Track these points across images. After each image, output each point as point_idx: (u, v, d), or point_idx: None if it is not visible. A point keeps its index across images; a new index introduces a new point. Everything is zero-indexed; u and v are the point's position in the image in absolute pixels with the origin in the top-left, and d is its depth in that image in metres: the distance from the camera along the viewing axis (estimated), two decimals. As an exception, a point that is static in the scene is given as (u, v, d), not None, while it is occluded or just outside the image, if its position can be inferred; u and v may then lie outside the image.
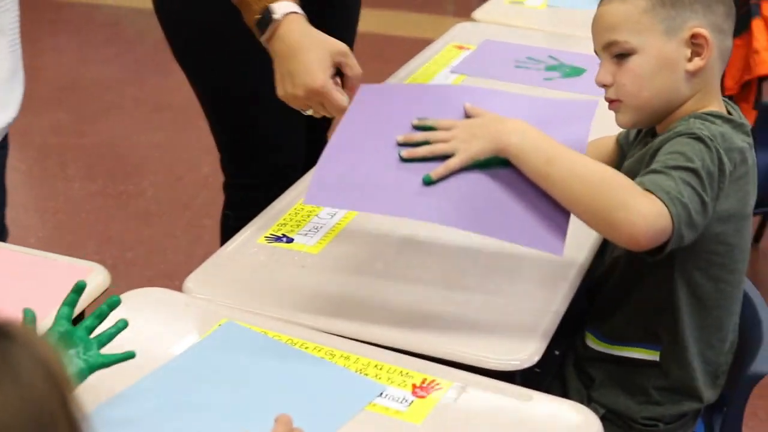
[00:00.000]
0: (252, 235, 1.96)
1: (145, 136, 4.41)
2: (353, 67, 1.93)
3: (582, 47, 2.78)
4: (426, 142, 1.71)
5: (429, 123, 1.74)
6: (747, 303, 1.90)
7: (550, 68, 2.71)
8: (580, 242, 1.92)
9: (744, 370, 1.82)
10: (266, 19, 1.93)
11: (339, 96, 1.88)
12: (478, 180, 1.67)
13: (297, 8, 1.94)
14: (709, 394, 1.83)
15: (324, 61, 1.89)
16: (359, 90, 1.86)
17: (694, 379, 1.80)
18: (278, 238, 1.94)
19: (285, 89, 1.92)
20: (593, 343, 1.87)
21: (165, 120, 4.63)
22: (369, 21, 5.06)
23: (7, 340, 0.86)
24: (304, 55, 1.89)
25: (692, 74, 1.72)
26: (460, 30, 2.96)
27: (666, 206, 1.56)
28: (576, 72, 2.70)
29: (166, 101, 4.76)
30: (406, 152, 1.71)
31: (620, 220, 1.56)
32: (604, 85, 1.77)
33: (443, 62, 2.75)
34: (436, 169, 1.67)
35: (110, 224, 3.73)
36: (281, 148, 2.52)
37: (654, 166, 1.64)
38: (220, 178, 4.10)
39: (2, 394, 0.82)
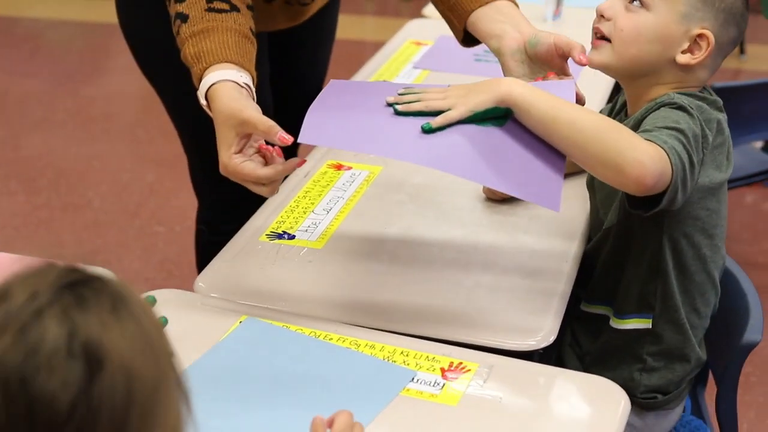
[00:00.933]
0: (253, 234, 1.98)
1: (83, 148, 4.38)
2: (257, 125, 1.65)
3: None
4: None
5: (417, 90, 1.73)
6: (729, 278, 1.98)
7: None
8: (573, 229, 1.98)
9: (736, 340, 1.90)
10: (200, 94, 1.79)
11: (248, 172, 1.66)
12: (477, 133, 1.66)
13: (226, 75, 1.74)
14: (699, 355, 1.90)
15: (226, 140, 1.69)
16: (329, 84, 1.80)
17: (686, 341, 1.88)
18: (279, 236, 1.96)
19: None
20: (600, 310, 1.93)
21: (100, 130, 4.60)
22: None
23: (120, 289, 0.93)
24: (217, 131, 1.72)
25: (677, 65, 1.79)
26: (414, 26, 3.01)
27: (666, 154, 1.62)
28: (535, 64, 2.76)
29: (99, 112, 4.74)
30: (402, 106, 1.69)
31: (629, 160, 1.59)
32: (602, 16, 1.81)
33: (403, 59, 2.79)
34: (436, 119, 1.65)
35: (62, 235, 3.70)
36: None
37: (643, 128, 1.70)
38: (165, 184, 4.12)
39: (126, 322, 0.91)
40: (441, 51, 2.84)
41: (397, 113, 1.68)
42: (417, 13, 3.10)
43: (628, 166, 1.59)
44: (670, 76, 1.81)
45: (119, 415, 0.88)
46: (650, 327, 1.87)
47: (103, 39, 5.59)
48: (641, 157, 1.59)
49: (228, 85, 1.72)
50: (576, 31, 2.95)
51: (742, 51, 5.61)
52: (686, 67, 1.79)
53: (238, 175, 1.66)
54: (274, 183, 1.66)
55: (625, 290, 1.87)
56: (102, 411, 0.87)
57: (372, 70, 2.73)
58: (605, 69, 1.86)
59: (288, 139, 1.62)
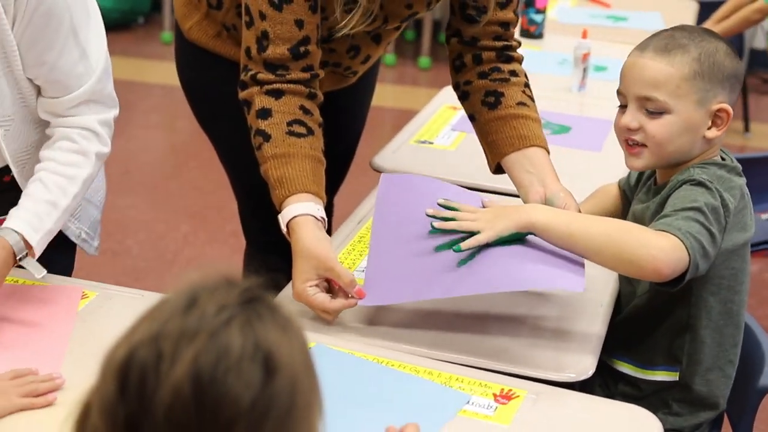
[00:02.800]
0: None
1: (119, 198, 4.58)
2: (341, 276, 1.97)
3: (561, 108, 3.08)
4: (453, 219, 1.98)
5: (454, 205, 2.01)
6: (745, 328, 2.17)
7: (540, 126, 2.97)
8: (606, 278, 2.17)
9: (752, 386, 2.09)
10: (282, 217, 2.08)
11: (318, 302, 1.97)
12: (501, 252, 1.94)
13: (307, 209, 2.04)
14: (723, 402, 2.09)
15: (304, 273, 1.98)
16: (381, 179, 2.15)
17: (712, 392, 2.05)
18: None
19: None
20: (622, 367, 2.10)
21: (135, 183, 4.81)
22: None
23: (286, 311, 1.10)
24: (295, 261, 2.02)
25: (707, 140, 2.00)
26: (449, 93, 3.21)
27: (681, 240, 1.83)
28: (563, 129, 2.98)
29: (133, 165, 4.95)
30: (437, 223, 1.98)
31: (643, 256, 1.83)
32: (629, 129, 2.03)
33: (442, 122, 3.00)
34: (466, 241, 1.93)
35: (104, 278, 3.87)
36: None
37: (664, 212, 1.91)
38: (199, 235, 4.32)
39: (293, 340, 1.09)
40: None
41: (433, 231, 1.98)
42: (434, 83, 3.29)
43: (643, 262, 1.83)
44: (697, 150, 2.01)
45: (282, 418, 1.05)
46: (677, 380, 2.05)
47: (134, 96, 5.81)
48: (654, 252, 1.82)
49: (309, 222, 2.02)
50: (599, 102, 3.20)
51: (746, 129, 5.83)
52: (712, 140, 2.00)
53: (309, 302, 1.97)
54: (337, 313, 1.99)
55: (653, 345, 2.05)
56: (271, 411, 1.04)
57: (412, 132, 2.93)
58: (647, 169, 2.09)
59: (363, 294, 1.97)
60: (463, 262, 1.93)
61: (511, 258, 1.92)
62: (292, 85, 2.13)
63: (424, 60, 6.26)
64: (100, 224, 2.42)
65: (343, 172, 2.83)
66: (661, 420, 1.85)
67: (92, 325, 1.96)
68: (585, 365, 1.91)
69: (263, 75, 2.12)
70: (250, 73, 2.13)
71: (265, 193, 2.14)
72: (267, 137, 2.10)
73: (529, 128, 2.27)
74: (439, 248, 1.98)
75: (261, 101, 2.12)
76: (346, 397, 1.77)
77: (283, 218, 2.05)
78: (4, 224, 1.99)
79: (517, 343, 1.96)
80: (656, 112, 1.98)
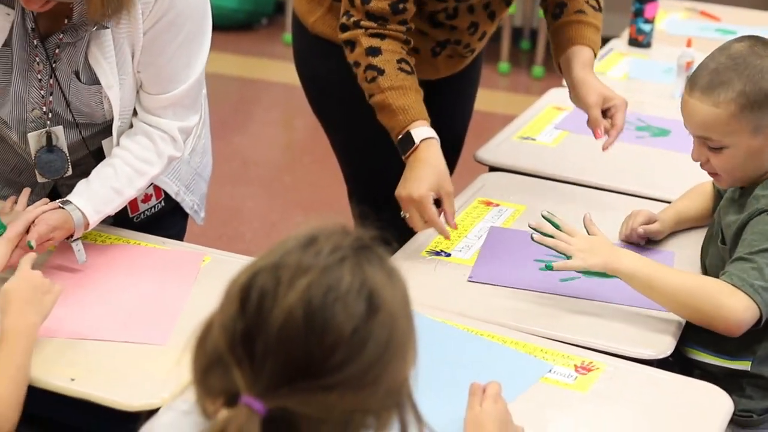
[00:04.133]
0: (415, 250, 2.32)
1: (237, 188, 4.78)
2: (451, 199, 2.31)
3: (662, 113, 3.18)
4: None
5: (556, 221, 2.15)
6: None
7: (639, 128, 3.08)
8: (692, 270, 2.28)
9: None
10: (406, 141, 2.35)
11: (433, 210, 2.27)
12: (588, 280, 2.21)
13: (433, 134, 2.35)
14: None
15: (430, 182, 2.28)
16: (490, 231, 2.43)
17: None
18: (437, 253, 2.31)
19: (398, 189, 2.32)
20: (697, 355, 2.20)
21: (252, 175, 5.01)
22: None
23: (392, 263, 1.26)
24: (421, 170, 2.30)
25: None
26: (555, 94, 3.34)
27: (752, 299, 1.97)
28: (663, 132, 3.08)
29: (251, 158, 5.15)
30: (537, 236, 2.14)
31: (716, 318, 2.00)
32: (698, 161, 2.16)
33: (546, 120, 3.12)
34: (558, 263, 2.10)
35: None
36: None
37: (740, 251, 2.04)
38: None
39: (396, 286, 1.25)
40: (578, 116, 3.16)
41: (533, 240, 2.15)
42: (545, 91, 3.41)
43: (716, 323, 2.01)
44: None
45: (378, 352, 1.20)
46: (749, 369, 2.13)
47: (254, 94, 6.03)
48: (725, 314, 1.99)
49: (435, 144, 2.34)
50: (646, 99, 3.29)
51: None
52: None
53: (424, 207, 2.26)
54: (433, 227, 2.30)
55: (731, 338, 2.10)
56: (369, 343, 1.19)
57: (517, 128, 3.06)
58: (731, 187, 2.20)
59: (456, 226, 2.33)
60: (549, 267, 2.10)
61: (596, 289, 2.19)
62: (392, 32, 2.38)
63: (538, 69, 6.37)
64: (206, 197, 2.60)
65: (453, 163, 2.98)
66: (735, 402, 1.94)
67: (206, 287, 2.13)
68: (664, 345, 2.03)
69: (365, 22, 2.37)
70: (352, 18, 2.38)
71: (377, 178, 2.33)
72: (381, 71, 2.36)
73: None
74: (538, 260, 2.22)
75: (368, 41, 2.37)
76: (435, 359, 1.91)
77: (416, 136, 2.33)
78: (71, 198, 2.17)
79: (601, 321, 2.09)
80: (716, 147, 2.09)
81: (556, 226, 2.12)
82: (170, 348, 1.93)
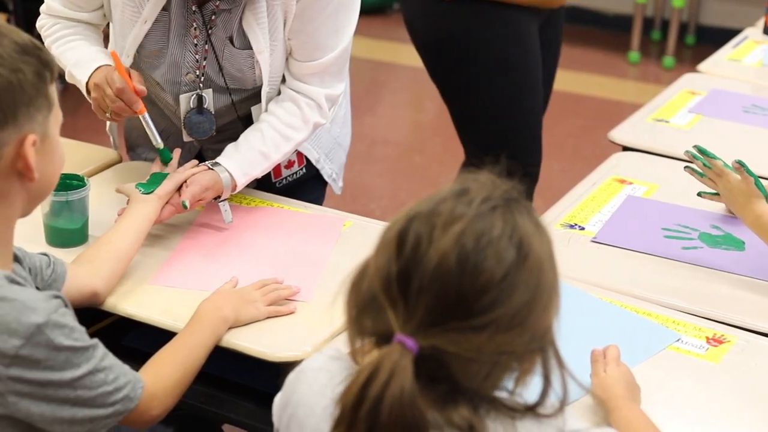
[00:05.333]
0: (549, 223, 2.35)
1: (367, 166, 4.87)
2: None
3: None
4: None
5: (710, 153, 2.23)
6: None
7: (777, 115, 3.08)
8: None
9: None
10: None
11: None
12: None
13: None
14: None
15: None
16: (626, 200, 2.49)
17: None
18: (571, 226, 2.35)
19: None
20: None
21: (382, 154, 5.10)
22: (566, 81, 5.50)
23: (528, 204, 1.31)
24: None
25: None
26: (689, 79, 3.35)
27: None
28: (798, 118, 3.07)
29: (380, 138, 5.24)
30: (694, 165, 2.24)
31: None
32: None
33: (680, 104, 3.13)
34: (705, 193, 2.29)
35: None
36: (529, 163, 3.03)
37: None
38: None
39: (543, 237, 1.30)
40: (713, 101, 3.17)
41: (685, 168, 2.31)
42: (675, 80, 3.42)
43: None
44: None
45: (527, 298, 1.26)
46: None
47: (385, 76, 6.12)
48: None
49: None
50: None
51: None
52: None
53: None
54: None
55: None
56: (518, 288, 1.25)
57: (650, 111, 3.08)
58: None
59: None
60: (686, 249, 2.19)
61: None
62: None
63: (669, 60, 6.33)
64: (344, 167, 2.68)
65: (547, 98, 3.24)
66: None
67: (347, 249, 2.22)
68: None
69: None
70: None
71: (498, 145, 2.40)
72: None
73: None
74: (665, 228, 2.31)
75: None
76: (570, 327, 1.95)
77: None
78: (220, 160, 2.26)
79: (735, 295, 2.12)
80: None
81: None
82: (312, 305, 2.01)
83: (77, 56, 2.29)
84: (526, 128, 3.05)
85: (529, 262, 1.26)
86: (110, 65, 2.24)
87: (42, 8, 2.37)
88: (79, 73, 2.26)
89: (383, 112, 5.69)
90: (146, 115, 2.21)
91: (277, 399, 1.49)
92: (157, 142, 2.24)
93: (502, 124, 3.01)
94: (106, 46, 2.38)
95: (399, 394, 1.21)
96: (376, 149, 5.14)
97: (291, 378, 1.45)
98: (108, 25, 2.40)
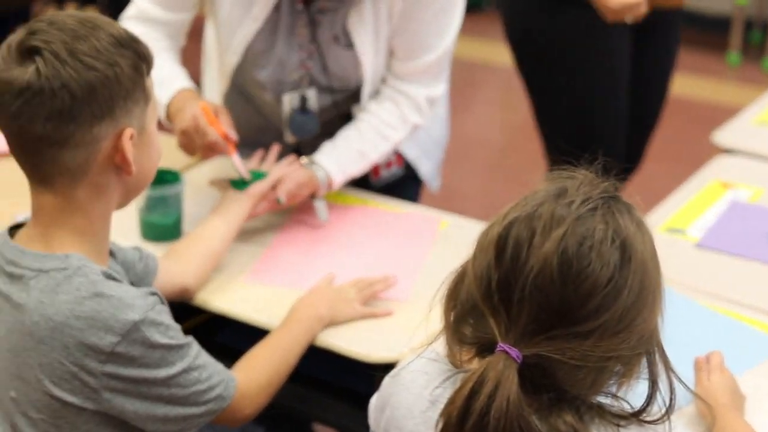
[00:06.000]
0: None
1: (458, 166, 4.84)
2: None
3: None
4: None
5: None
6: None
7: None
8: None
9: None
10: None
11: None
12: None
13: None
14: None
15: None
16: (730, 205, 2.40)
17: None
18: (674, 230, 2.29)
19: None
20: None
21: (474, 153, 5.06)
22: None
23: (627, 202, 1.27)
24: None
25: None
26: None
27: None
28: None
29: (472, 137, 5.20)
30: None
31: None
32: None
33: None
34: None
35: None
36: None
37: None
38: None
39: (645, 236, 1.25)
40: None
41: None
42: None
43: None
44: None
45: (632, 300, 1.21)
46: None
47: (478, 75, 6.09)
48: None
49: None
50: None
51: None
52: None
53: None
54: None
55: None
56: (623, 292, 1.21)
57: (755, 113, 2.99)
58: None
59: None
60: None
61: None
62: None
63: (769, 61, 6.21)
64: (441, 165, 2.65)
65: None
66: None
67: (443, 250, 2.18)
68: None
69: None
70: None
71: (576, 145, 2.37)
72: None
73: None
74: None
75: None
76: (666, 329, 1.90)
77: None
78: (317, 157, 2.24)
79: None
80: None
81: None
82: (408, 305, 1.98)
83: (159, 74, 2.21)
84: (603, 131, 2.99)
85: (633, 263, 1.21)
86: (190, 89, 2.22)
87: (128, 13, 2.33)
88: (160, 93, 2.19)
89: (476, 111, 5.65)
90: (236, 156, 2.17)
91: (374, 400, 1.46)
92: (244, 175, 2.19)
93: (580, 124, 2.96)
94: (191, 46, 2.36)
95: (505, 406, 1.18)
96: (468, 149, 5.10)
97: (388, 380, 1.43)
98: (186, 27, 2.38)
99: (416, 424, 1.34)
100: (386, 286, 1.99)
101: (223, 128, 2.13)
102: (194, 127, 2.11)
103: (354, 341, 1.90)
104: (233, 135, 2.14)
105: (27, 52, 1.47)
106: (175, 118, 2.17)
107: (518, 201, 1.27)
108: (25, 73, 1.46)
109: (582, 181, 1.26)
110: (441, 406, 1.24)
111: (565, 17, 2.74)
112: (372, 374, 1.85)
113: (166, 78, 2.23)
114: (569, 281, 1.19)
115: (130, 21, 2.31)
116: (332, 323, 1.91)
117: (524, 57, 3.02)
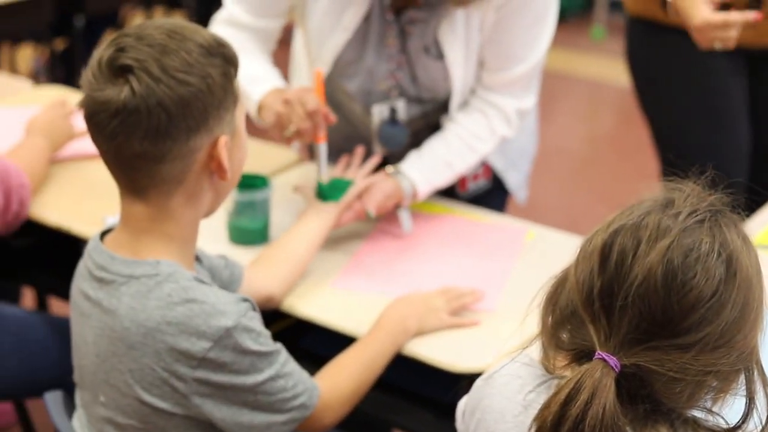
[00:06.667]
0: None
1: (539, 177, 4.80)
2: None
3: None
4: None
5: None
6: None
7: None
8: None
9: None
10: None
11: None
12: None
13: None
14: None
15: None
16: None
17: None
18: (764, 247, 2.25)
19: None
20: None
21: (555, 165, 5.03)
22: None
23: (734, 216, 1.25)
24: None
25: None
26: None
27: None
28: None
29: (553, 148, 5.17)
30: None
31: None
32: None
33: None
34: None
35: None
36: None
37: None
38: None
39: (750, 251, 1.23)
40: None
41: None
42: None
43: None
44: None
45: (735, 316, 1.19)
46: None
47: (561, 86, 6.05)
48: None
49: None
50: None
51: None
52: None
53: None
54: None
55: None
56: (726, 306, 1.19)
57: None
58: None
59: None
60: None
61: None
62: None
63: None
64: (529, 176, 2.64)
65: None
66: None
67: (530, 261, 2.16)
68: None
69: None
70: None
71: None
72: None
73: None
74: None
75: None
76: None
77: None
78: (403, 167, 2.23)
79: None
80: None
81: None
82: (494, 316, 1.97)
83: (252, 72, 2.22)
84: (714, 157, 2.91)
85: (738, 278, 1.20)
86: (282, 88, 2.20)
87: (218, 17, 2.34)
88: (252, 90, 2.19)
89: (559, 122, 5.62)
90: (324, 145, 2.14)
91: (463, 404, 1.46)
92: (323, 176, 2.17)
93: (688, 145, 2.89)
94: (279, 53, 2.37)
95: (601, 414, 1.17)
96: (550, 160, 5.07)
97: (480, 383, 1.42)
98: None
99: (508, 429, 1.33)
100: (475, 300, 1.98)
101: (325, 107, 2.10)
102: (299, 96, 2.08)
103: (439, 350, 1.89)
104: (332, 116, 2.11)
105: (119, 71, 1.47)
106: (266, 112, 2.16)
107: (623, 210, 1.27)
108: (120, 93, 1.46)
109: (689, 193, 1.25)
110: (534, 411, 1.23)
111: (666, 43, 2.69)
112: (456, 383, 1.86)
113: (260, 75, 2.24)
114: (673, 292, 1.18)
115: (219, 24, 2.32)
116: (419, 333, 1.91)
117: (635, 78, 2.98)
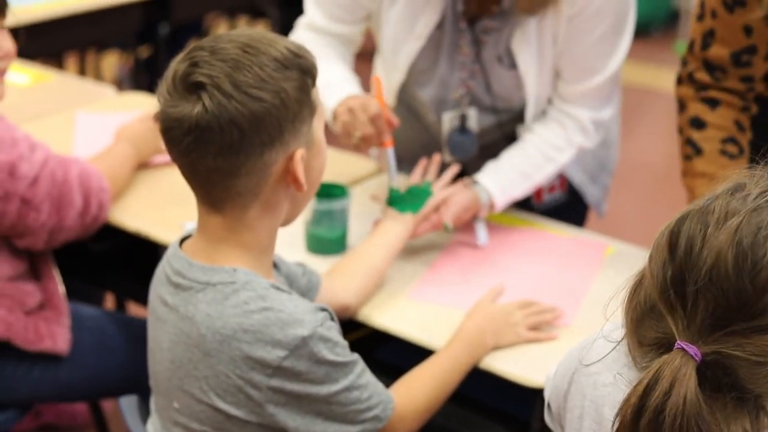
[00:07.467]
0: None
1: (619, 193, 4.76)
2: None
3: None
4: None
5: None
6: None
7: None
8: None
9: None
10: None
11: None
12: None
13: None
14: None
15: None
16: None
17: None
18: None
19: None
20: None
21: (635, 180, 4.98)
22: None
23: None
24: None
25: None
26: None
27: None
28: None
29: (634, 164, 5.12)
30: None
31: None
32: None
33: None
34: None
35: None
36: None
37: None
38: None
39: None
40: None
41: None
42: None
43: None
44: None
45: None
46: None
47: (643, 101, 6.00)
48: None
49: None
50: None
51: None
52: None
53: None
54: None
55: None
56: None
57: None
58: None
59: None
60: None
61: None
62: (727, 95, 2.11)
63: None
64: (609, 190, 2.61)
65: None
66: None
67: (609, 276, 2.14)
68: None
69: (700, 74, 2.12)
70: (688, 69, 2.14)
71: None
72: (699, 151, 2.12)
73: None
74: None
75: (696, 109, 2.13)
76: None
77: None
78: (480, 178, 2.21)
79: None
80: None
81: None
82: (572, 331, 1.95)
83: (327, 79, 2.19)
84: None
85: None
86: (355, 95, 2.20)
87: (301, 21, 2.37)
88: (327, 98, 2.19)
89: (640, 136, 5.56)
90: (391, 150, 2.14)
91: (553, 371, 1.49)
92: (394, 181, 2.17)
93: None
94: (363, 64, 2.37)
95: (681, 404, 1.15)
96: (631, 174, 5.03)
97: (576, 350, 1.43)
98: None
99: (602, 395, 1.34)
100: (555, 318, 1.96)
101: (387, 112, 2.11)
102: (361, 103, 2.10)
103: (515, 364, 1.87)
104: (395, 120, 2.12)
105: (192, 87, 1.46)
106: (337, 120, 2.18)
107: (694, 201, 1.25)
108: (193, 110, 1.45)
109: (760, 176, 1.23)
110: (621, 386, 1.25)
111: None
112: (531, 399, 1.84)
113: (337, 82, 2.24)
114: (744, 273, 1.15)
115: (301, 28, 2.36)
116: (495, 348, 1.89)
117: None
